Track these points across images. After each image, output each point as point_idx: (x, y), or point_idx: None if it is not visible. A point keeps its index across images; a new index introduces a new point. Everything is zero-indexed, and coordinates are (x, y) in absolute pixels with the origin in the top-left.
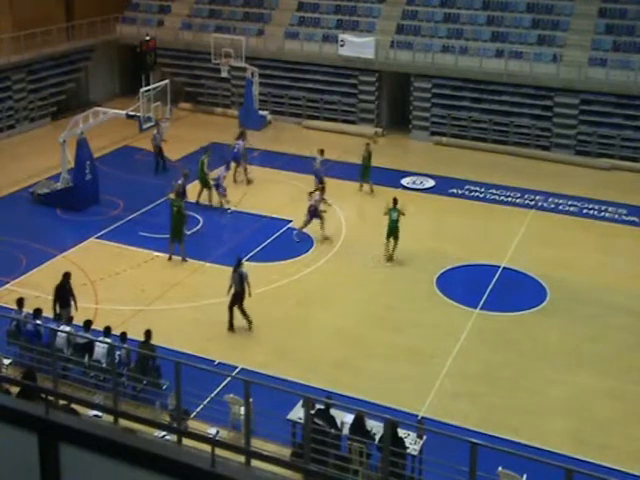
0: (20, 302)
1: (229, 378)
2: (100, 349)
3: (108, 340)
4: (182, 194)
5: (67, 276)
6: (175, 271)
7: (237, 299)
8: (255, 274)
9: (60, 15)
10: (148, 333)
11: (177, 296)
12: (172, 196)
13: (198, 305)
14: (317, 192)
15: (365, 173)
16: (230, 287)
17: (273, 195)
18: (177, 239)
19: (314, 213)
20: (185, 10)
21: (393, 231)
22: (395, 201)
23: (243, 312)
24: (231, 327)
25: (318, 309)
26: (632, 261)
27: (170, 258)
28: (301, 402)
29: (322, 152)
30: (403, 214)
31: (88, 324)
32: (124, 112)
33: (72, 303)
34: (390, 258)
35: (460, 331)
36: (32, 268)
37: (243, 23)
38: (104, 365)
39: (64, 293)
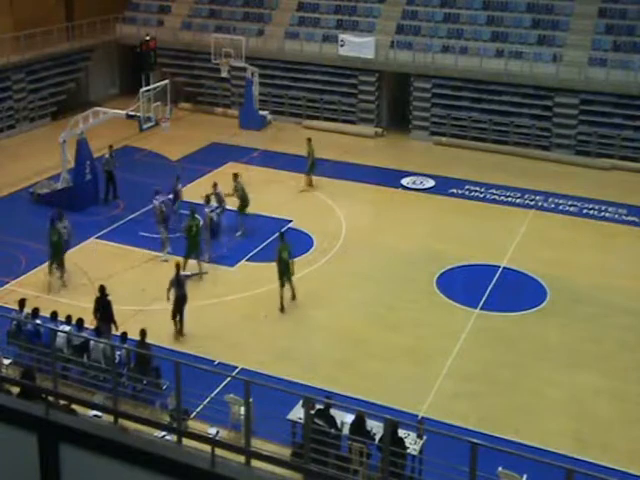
0: (22, 303)
1: (229, 378)
2: (94, 345)
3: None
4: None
5: (102, 289)
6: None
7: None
8: (255, 274)
9: (60, 15)
10: (143, 332)
11: None
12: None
13: (198, 305)
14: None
15: (310, 168)
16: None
17: (273, 195)
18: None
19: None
20: (185, 10)
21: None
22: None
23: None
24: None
25: (318, 309)
26: (632, 261)
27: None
28: (301, 402)
29: (215, 185)
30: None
31: (81, 322)
32: (124, 112)
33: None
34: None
35: (460, 331)
36: (32, 268)
37: (243, 23)
38: (103, 365)
39: (104, 307)
